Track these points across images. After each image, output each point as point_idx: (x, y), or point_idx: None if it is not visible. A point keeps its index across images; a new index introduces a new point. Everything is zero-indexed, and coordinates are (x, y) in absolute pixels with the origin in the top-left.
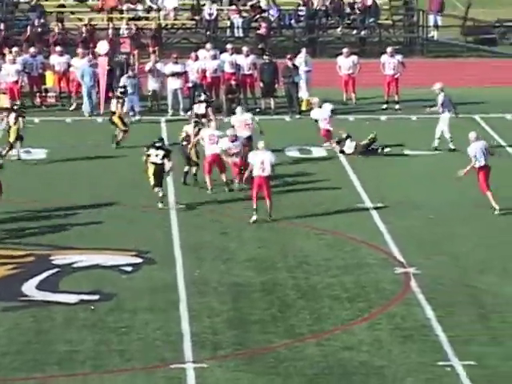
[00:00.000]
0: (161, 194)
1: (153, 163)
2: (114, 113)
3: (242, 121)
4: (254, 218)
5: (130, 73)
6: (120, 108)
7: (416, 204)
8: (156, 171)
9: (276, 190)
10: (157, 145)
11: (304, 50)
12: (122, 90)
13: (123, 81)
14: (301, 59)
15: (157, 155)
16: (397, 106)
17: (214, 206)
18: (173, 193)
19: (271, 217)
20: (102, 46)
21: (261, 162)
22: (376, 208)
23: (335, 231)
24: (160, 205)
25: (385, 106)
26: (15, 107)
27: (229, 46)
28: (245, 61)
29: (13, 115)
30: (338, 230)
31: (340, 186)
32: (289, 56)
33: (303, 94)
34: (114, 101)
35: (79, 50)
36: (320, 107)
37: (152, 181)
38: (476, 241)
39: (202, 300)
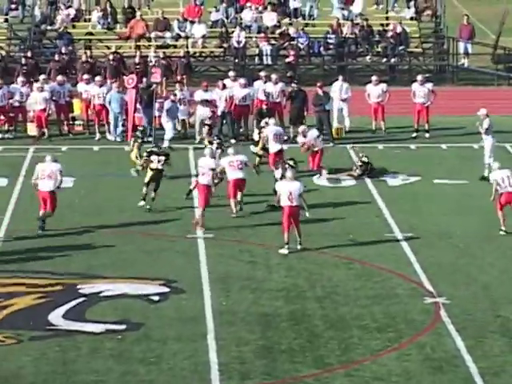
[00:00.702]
0: (152, 195)
1: (153, 169)
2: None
3: (233, 161)
4: (286, 251)
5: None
6: (135, 147)
7: (446, 233)
8: (154, 177)
9: (304, 218)
10: (157, 151)
11: (341, 78)
12: (141, 129)
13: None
14: (335, 87)
15: (159, 161)
16: (427, 135)
17: (241, 233)
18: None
19: (301, 245)
20: (131, 79)
21: (289, 192)
22: (405, 238)
23: (364, 261)
24: (141, 202)
25: (415, 135)
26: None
27: (262, 74)
28: (274, 88)
29: None
30: (367, 259)
31: (369, 215)
32: (319, 84)
33: (337, 121)
34: (131, 140)
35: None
36: (304, 136)
37: (146, 184)
38: (506, 271)
39: (230, 330)
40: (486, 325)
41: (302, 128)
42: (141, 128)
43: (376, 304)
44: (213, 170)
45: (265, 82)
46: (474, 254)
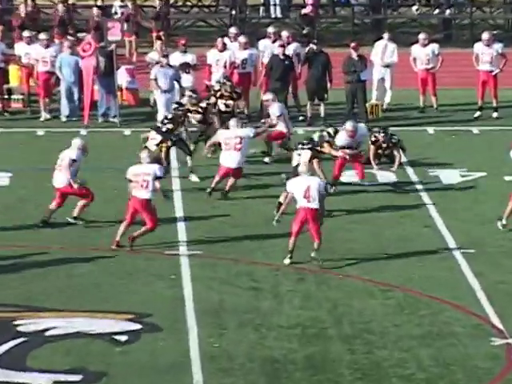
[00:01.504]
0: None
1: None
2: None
3: (231, 137)
4: (288, 260)
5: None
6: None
7: None
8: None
9: (325, 228)
10: (160, 128)
11: (386, 36)
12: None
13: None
14: (378, 49)
15: (153, 139)
16: (495, 114)
17: (239, 248)
18: (184, 233)
19: (320, 262)
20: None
21: (305, 189)
22: (465, 255)
23: (408, 287)
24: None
25: (478, 114)
26: None
27: (271, 30)
28: (285, 50)
29: None
30: (411, 285)
31: (414, 224)
32: (353, 44)
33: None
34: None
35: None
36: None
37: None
38: None
39: (225, 381)
40: None
41: (267, 96)
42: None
43: (424, 346)
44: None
45: (273, 42)
46: None
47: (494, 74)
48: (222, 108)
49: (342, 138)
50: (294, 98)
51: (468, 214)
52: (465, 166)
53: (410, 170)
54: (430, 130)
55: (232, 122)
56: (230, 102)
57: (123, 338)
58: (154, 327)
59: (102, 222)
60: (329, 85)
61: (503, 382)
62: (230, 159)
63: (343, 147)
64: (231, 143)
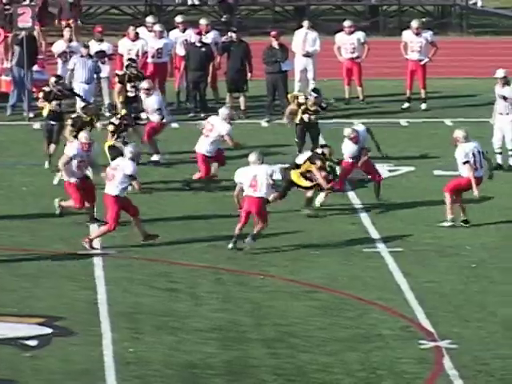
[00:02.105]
0: None
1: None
2: None
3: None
4: (231, 245)
5: None
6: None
7: (451, 248)
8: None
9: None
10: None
11: (306, 24)
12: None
13: None
14: (298, 37)
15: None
16: (423, 106)
17: (155, 247)
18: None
19: (253, 239)
20: None
21: (251, 178)
22: (393, 254)
23: (333, 288)
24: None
25: (406, 105)
26: None
27: (179, 20)
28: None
29: None
30: (337, 285)
31: (340, 222)
32: (273, 33)
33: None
34: None
35: None
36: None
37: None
38: None
39: None
40: (509, 379)
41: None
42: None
43: (350, 350)
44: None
45: (183, 31)
46: (491, 276)
47: (422, 63)
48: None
49: (348, 147)
50: (212, 90)
51: (396, 212)
52: (392, 161)
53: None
54: (357, 122)
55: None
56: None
57: (33, 342)
58: (66, 331)
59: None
60: (249, 75)
61: None
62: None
63: (353, 157)
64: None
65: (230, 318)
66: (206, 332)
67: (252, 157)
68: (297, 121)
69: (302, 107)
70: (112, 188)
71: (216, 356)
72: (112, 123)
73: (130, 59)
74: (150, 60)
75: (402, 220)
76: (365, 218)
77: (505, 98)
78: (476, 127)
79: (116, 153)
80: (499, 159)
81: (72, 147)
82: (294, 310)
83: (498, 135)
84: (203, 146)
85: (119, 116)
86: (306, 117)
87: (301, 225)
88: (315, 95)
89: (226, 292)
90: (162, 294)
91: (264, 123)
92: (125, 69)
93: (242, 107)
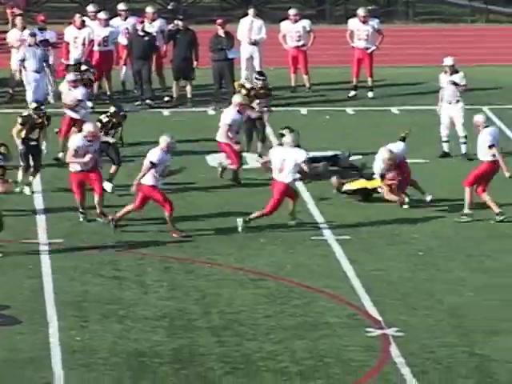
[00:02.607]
0: None
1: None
2: None
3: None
4: (240, 221)
5: None
6: None
7: (398, 235)
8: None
9: (191, 213)
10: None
11: (252, 12)
12: None
13: None
14: (244, 26)
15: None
16: (370, 94)
17: (101, 235)
18: (43, 221)
19: (294, 219)
20: None
21: (281, 161)
22: (340, 241)
23: (280, 276)
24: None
25: (353, 93)
26: None
27: (121, 7)
28: (147, 28)
29: None
30: (283, 273)
31: (286, 208)
32: (219, 21)
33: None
34: None
35: None
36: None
37: None
38: (483, 288)
39: (88, 376)
40: (456, 367)
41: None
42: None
43: (297, 338)
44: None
45: (125, 19)
46: (438, 264)
47: (369, 51)
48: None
49: (379, 166)
50: (159, 78)
51: (343, 199)
52: (339, 149)
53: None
54: (303, 110)
55: None
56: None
57: None
58: (12, 320)
59: None
60: (195, 64)
61: (380, 375)
62: None
63: (384, 175)
64: None
65: (178, 306)
66: (153, 320)
67: (287, 138)
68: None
69: (252, 92)
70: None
71: (163, 344)
72: (100, 120)
73: (84, 63)
74: (96, 48)
75: (349, 208)
76: (312, 206)
77: (455, 84)
78: (422, 115)
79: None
80: (446, 147)
81: (76, 139)
82: (241, 298)
83: (445, 123)
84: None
85: (108, 114)
86: (255, 105)
87: (245, 214)
88: (262, 78)
89: (174, 280)
90: (109, 283)
91: (211, 111)
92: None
93: (189, 95)
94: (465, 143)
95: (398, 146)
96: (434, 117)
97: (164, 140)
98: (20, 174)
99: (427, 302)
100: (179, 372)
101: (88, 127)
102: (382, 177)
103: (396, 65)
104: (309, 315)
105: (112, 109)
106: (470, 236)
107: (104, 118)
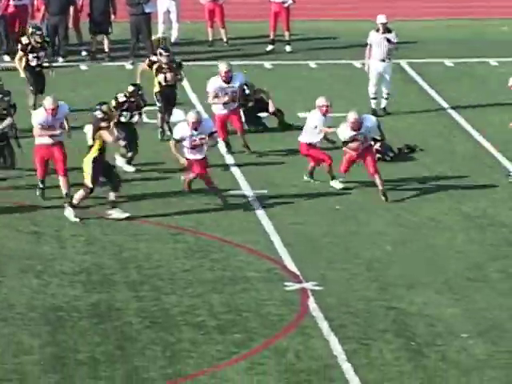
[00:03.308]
0: None
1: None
2: None
3: None
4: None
5: None
6: None
7: (314, 189)
8: None
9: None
10: None
11: None
12: None
13: None
14: None
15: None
16: (288, 48)
17: (20, 193)
18: None
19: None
20: None
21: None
22: (258, 196)
23: (199, 230)
24: None
25: (270, 48)
26: None
27: None
28: None
29: None
30: (202, 228)
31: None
32: None
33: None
34: None
35: None
36: None
37: None
38: (402, 242)
39: (4, 332)
40: (373, 321)
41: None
42: None
43: (215, 292)
44: None
45: None
46: (356, 218)
47: (286, 5)
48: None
49: (344, 131)
50: (76, 32)
51: (263, 156)
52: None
53: (199, 107)
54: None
55: None
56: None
57: None
58: None
59: None
60: (112, 17)
61: (297, 328)
62: None
63: (347, 142)
64: None
65: (95, 260)
66: (70, 275)
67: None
68: (157, 88)
69: (155, 66)
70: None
71: (81, 299)
72: (115, 99)
73: (34, 27)
74: (11, 2)
75: (269, 164)
76: (230, 160)
77: (389, 41)
78: (341, 69)
79: (124, 128)
80: (373, 104)
81: (38, 114)
82: (159, 252)
83: (374, 81)
84: None
85: (126, 93)
86: (161, 77)
87: (168, 170)
88: (166, 54)
89: (91, 235)
90: (26, 237)
91: (128, 65)
92: (28, 38)
93: (106, 49)
94: (387, 99)
95: (370, 119)
96: (351, 70)
97: (190, 116)
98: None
99: (345, 255)
100: (97, 326)
101: (48, 101)
102: (345, 144)
103: (313, 19)
104: (227, 269)
105: (130, 88)
106: (388, 190)
107: (121, 97)
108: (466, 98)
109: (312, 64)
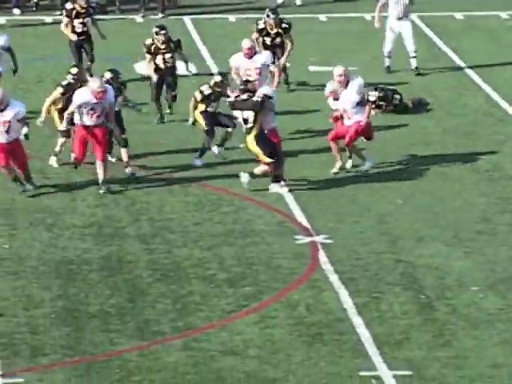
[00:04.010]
0: None
1: None
2: None
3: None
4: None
5: None
6: None
7: (324, 145)
8: None
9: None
10: None
11: None
12: None
13: None
14: None
15: None
16: (298, 1)
17: (32, 145)
18: None
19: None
20: None
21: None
22: None
23: (209, 184)
24: None
25: (281, 1)
26: None
27: None
28: None
29: None
30: (213, 181)
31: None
32: None
33: None
34: None
35: None
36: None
37: None
38: (410, 197)
39: (15, 285)
40: (383, 274)
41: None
42: None
43: (226, 245)
44: None
45: None
46: (366, 172)
47: None
48: None
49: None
50: None
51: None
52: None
53: (210, 61)
54: (231, 17)
55: None
56: None
57: None
58: None
59: None
60: None
61: (308, 281)
62: None
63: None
64: None
65: (106, 213)
66: (81, 228)
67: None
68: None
69: (153, 48)
70: None
71: (92, 252)
72: (201, 92)
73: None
74: None
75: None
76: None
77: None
78: (350, 23)
79: (211, 117)
80: (387, 62)
81: (81, 94)
82: (170, 205)
83: (390, 39)
84: None
85: (212, 83)
86: (160, 59)
87: (175, 123)
88: (163, 32)
89: (101, 189)
90: (37, 191)
91: (139, 18)
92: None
93: (117, 3)
94: (415, 57)
95: (357, 81)
96: (357, 24)
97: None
98: None
99: (355, 209)
100: (108, 279)
101: (96, 83)
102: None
103: None
104: (238, 223)
105: (217, 77)
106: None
107: (206, 90)
108: (477, 51)
109: (323, 17)
